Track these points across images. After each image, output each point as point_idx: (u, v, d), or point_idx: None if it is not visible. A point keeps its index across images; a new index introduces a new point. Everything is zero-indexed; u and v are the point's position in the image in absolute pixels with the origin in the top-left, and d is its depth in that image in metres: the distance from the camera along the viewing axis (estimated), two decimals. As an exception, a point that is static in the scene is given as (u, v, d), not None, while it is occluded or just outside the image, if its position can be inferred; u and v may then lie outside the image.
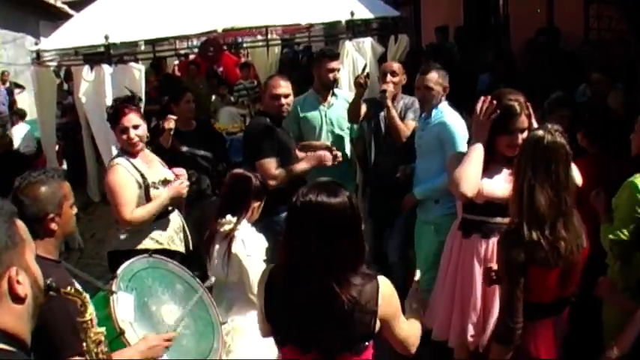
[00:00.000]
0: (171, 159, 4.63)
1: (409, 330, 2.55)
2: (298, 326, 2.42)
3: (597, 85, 5.89)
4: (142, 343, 2.77)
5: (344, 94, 5.76)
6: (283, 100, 4.73)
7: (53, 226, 2.73)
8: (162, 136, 5.32)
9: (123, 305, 2.95)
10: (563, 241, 2.73)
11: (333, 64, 5.47)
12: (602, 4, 7.78)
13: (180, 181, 4.18)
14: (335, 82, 5.57)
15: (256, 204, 3.70)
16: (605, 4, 7.69)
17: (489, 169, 3.50)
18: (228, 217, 3.59)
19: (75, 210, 2.94)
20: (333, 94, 5.58)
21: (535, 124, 3.40)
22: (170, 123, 5.28)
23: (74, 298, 2.09)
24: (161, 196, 4.05)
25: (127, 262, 3.26)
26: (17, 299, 1.47)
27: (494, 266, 3.13)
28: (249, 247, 3.54)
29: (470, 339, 3.55)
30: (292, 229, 2.43)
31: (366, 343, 2.41)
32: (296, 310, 2.40)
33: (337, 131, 5.56)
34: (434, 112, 4.54)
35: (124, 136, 4.09)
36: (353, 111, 5.25)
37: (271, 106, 4.78)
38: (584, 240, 2.83)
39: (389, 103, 4.93)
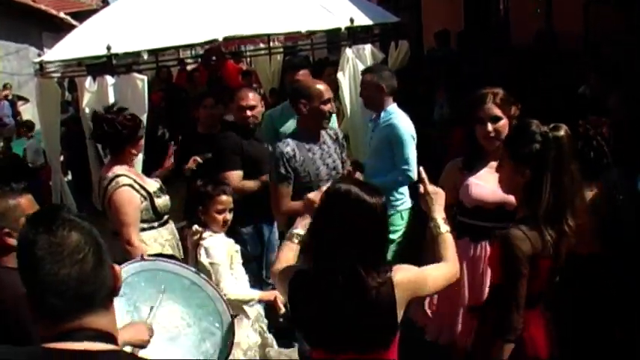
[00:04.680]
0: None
1: (436, 276, 2.61)
2: (330, 327, 2.46)
3: (595, 86, 5.91)
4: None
5: None
6: (249, 112, 4.78)
7: (11, 241, 2.64)
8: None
9: None
10: (565, 235, 2.77)
11: (300, 75, 5.24)
12: (601, 4, 7.77)
13: None
14: None
15: (217, 210, 3.73)
16: (605, 4, 7.68)
17: (479, 170, 3.54)
18: (195, 227, 3.75)
19: None
20: None
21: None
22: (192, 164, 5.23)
23: None
24: None
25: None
26: None
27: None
28: (213, 255, 3.64)
29: (460, 338, 3.55)
30: (324, 218, 2.48)
31: (393, 337, 2.47)
32: (325, 309, 2.44)
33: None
34: (382, 113, 4.69)
35: (137, 151, 4.23)
36: None
37: (239, 118, 4.85)
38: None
39: None
